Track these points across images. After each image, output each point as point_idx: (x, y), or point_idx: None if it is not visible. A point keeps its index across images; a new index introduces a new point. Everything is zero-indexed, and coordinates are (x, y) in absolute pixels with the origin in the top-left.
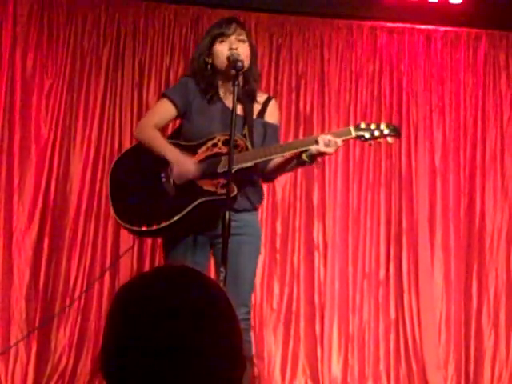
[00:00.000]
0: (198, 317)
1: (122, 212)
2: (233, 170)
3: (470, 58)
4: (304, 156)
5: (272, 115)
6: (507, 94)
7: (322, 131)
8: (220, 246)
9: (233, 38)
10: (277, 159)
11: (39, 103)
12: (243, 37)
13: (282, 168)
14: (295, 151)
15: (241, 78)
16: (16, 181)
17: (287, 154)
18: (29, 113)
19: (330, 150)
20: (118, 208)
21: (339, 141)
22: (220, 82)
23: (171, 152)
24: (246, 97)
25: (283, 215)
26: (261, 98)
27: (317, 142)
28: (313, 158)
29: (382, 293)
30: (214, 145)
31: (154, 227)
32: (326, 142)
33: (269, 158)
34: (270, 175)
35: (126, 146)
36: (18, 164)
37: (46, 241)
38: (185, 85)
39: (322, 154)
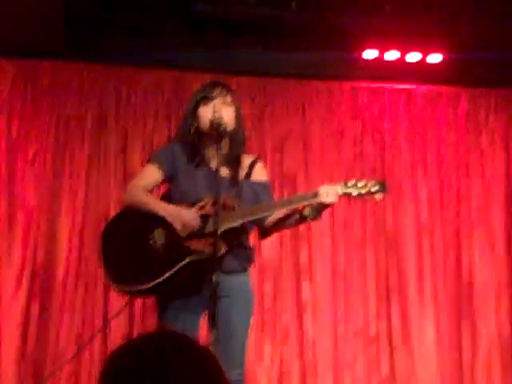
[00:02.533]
0: (186, 382)
1: (112, 273)
2: (220, 230)
3: (451, 115)
4: (306, 211)
5: (259, 175)
6: (489, 150)
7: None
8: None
9: (216, 101)
10: (277, 215)
11: (24, 170)
12: (228, 100)
13: (281, 224)
14: (291, 207)
15: (225, 142)
16: (4, 246)
17: (282, 211)
18: (14, 179)
19: (330, 199)
20: (109, 269)
21: (339, 188)
22: (205, 146)
23: (165, 209)
24: (232, 161)
25: (271, 276)
26: (246, 161)
27: (316, 195)
28: (316, 211)
29: (374, 350)
30: (202, 207)
31: (143, 286)
32: (326, 192)
33: (256, 217)
34: (268, 231)
35: (111, 210)
36: (6, 229)
37: (35, 305)
38: (170, 150)
39: (324, 205)
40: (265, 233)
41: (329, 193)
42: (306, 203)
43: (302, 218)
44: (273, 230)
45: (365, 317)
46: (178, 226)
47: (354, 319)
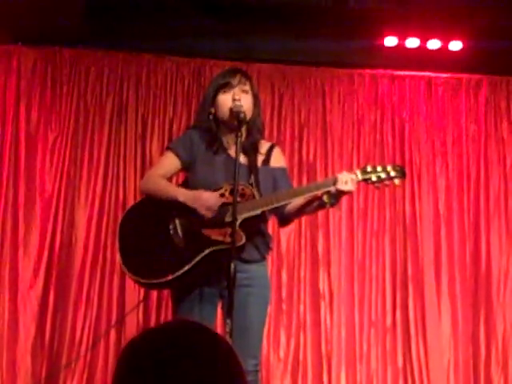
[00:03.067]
0: (201, 371)
1: (131, 264)
2: (240, 219)
3: (472, 103)
4: (325, 198)
5: (277, 161)
6: (509, 138)
7: None
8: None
9: (236, 88)
10: (297, 202)
11: (43, 157)
12: (247, 87)
13: (301, 211)
14: (310, 194)
15: (244, 129)
16: (21, 234)
17: (302, 198)
18: (33, 166)
19: (349, 187)
20: (127, 261)
21: (358, 174)
22: (223, 133)
23: (184, 194)
24: (250, 148)
25: (288, 265)
26: (264, 147)
27: (335, 182)
28: (334, 198)
29: (389, 340)
30: (221, 195)
31: (164, 279)
32: (344, 180)
33: (276, 205)
34: (288, 218)
35: (130, 198)
36: (23, 217)
37: (52, 295)
38: (189, 137)
39: (342, 192)
40: (285, 220)
41: (347, 180)
42: (325, 190)
43: (321, 205)
44: (293, 217)
45: (382, 307)
46: (201, 210)
47: (371, 309)
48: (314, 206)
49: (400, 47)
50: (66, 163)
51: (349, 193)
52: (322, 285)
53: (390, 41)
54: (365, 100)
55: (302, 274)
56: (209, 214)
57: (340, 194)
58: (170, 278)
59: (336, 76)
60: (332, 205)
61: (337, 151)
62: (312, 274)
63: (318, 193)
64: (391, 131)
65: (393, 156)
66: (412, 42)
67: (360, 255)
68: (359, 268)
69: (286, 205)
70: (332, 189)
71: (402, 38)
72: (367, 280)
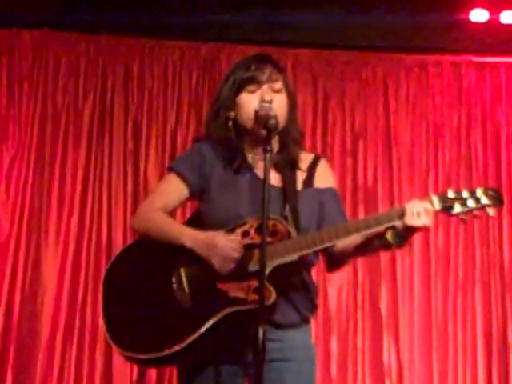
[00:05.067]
0: None
1: (119, 334)
2: (269, 268)
3: None
4: (389, 236)
5: (323, 178)
6: None
7: None
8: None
9: (265, 86)
10: (352, 238)
11: None
12: (279, 85)
13: (357, 252)
14: (368, 231)
15: (276, 141)
16: None
17: (359, 236)
18: None
19: (423, 221)
20: (114, 328)
21: (435, 202)
22: (248, 146)
23: (193, 237)
24: (285, 165)
25: (340, 329)
26: (305, 161)
27: (403, 215)
28: (401, 237)
29: None
30: (245, 233)
31: (164, 352)
32: (415, 211)
33: (320, 247)
34: (339, 260)
35: (118, 239)
36: None
37: (10, 377)
38: (198, 153)
39: (412, 229)
40: (334, 263)
41: (420, 211)
42: (388, 225)
43: (384, 245)
44: (345, 258)
45: None
46: (216, 262)
47: None
48: (374, 245)
49: (493, 23)
50: (28, 193)
51: (422, 229)
52: (387, 357)
53: (479, 15)
54: (445, 96)
55: (360, 341)
56: (226, 267)
57: (410, 230)
58: (172, 350)
59: (403, 65)
60: (399, 245)
61: (405, 170)
62: (373, 342)
63: (380, 229)
64: (481, 141)
65: (484, 174)
66: (509, 17)
67: (440, 316)
68: (439, 333)
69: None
70: (398, 224)
71: (496, 11)
72: (451, 350)
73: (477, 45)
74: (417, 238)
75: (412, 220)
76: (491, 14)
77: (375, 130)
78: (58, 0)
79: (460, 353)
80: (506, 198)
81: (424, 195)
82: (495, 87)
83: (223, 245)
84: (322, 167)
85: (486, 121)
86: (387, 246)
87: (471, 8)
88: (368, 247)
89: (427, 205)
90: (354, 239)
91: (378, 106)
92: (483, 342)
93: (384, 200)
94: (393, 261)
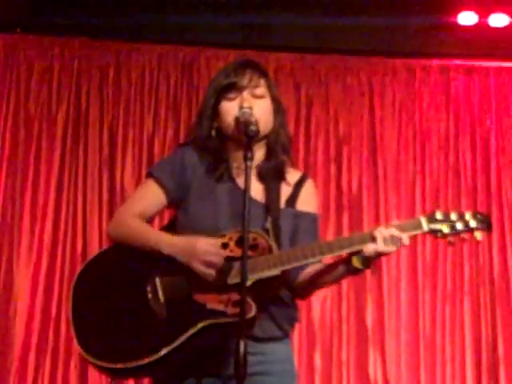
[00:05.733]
0: None
1: (90, 344)
2: (250, 281)
3: None
4: (355, 260)
5: (307, 202)
6: None
7: (376, 221)
8: None
9: (245, 92)
10: (313, 266)
11: None
12: (261, 90)
13: (320, 279)
14: (339, 254)
15: (261, 147)
16: None
17: (327, 259)
18: None
19: (390, 248)
20: (85, 339)
21: (405, 237)
22: (233, 155)
23: (172, 243)
24: (271, 173)
25: (324, 343)
26: (292, 177)
27: (373, 239)
28: (367, 261)
29: None
30: (224, 245)
31: (135, 363)
32: (386, 238)
33: (302, 263)
34: (303, 289)
35: (93, 248)
36: None
37: None
38: (180, 158)
39: (379, 254)
40: (296, 291)
41: (388, 239)
42: (357, 249)
43: (349, 271)
44: (312, 287)
45: None
46: (197, 266)
47: None
48: (338, 272)
49: (481, 26)
50: (0, 200)
51: (385, 255)
52: (373, 371)
53: (468, 18)
54: (431, 103)
55: (344, 356)
56: (207, 273)
57: (375, 256)
58: (145, 361)
59: (390, 69)
60: (365, 269)
61: (391, 177)
62: (358, 357)
63: (344, 253)
64: (470, 147)
65: (473, 185)
66: (498, 20)
67: (428, 328)
68: (427, 346)
69: (300, 268)
70: (367, 248)
71: (484, 14)
72: (439, 363)
73: (465, 48)
74: (404, 249)
75: (381, 246)
76: (480, 16)
77: (360, 136)
78: (31, 2)
79: (448, 366)
80: (494, 207)
81: (409, 208)
82: (484, 92)
83: (204, 250)
84: (308, 188)
85: (474, 126)
86: (352, 272)
87: (459, 11)
88: (331, 275)
89: (400, 235)
90: (315, 268)
91: (363, 112)
92: (472, 355)
93: (369, 207)
94: (379, 274)
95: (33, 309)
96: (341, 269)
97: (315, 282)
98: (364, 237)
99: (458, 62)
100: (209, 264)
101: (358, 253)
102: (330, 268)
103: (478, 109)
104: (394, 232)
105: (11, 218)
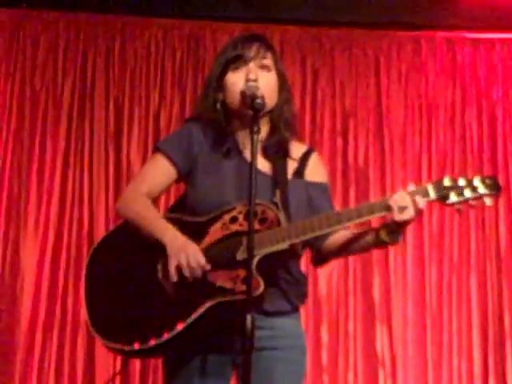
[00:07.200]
0: None
1: (101, 324)
2: (258, 257)
3: None
4: (383, 233)
5: (315, 172)
6: None
7: (382, 193)
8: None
9: (252, 64)
10: (341, 234)
11: None
12: (268, 62)
13: (347, 248)
14: (348, 225)
15: (266, 122)
16: None
17: (345, 227)
18: None
19: (408, 216)
20: (96, 318)
21: (421, 200)
22: (237, 129)
23: (172, 235)
24: (275, 150)
25: (331, 317)
26: (297, 151)
27: (388, 208)
28: (395, 233)
29: None
30: (233, 219)
31: (148, 344)
32: (401, 205)
33: (311, 236)
34: (327, 256)
35: (100, 225)
36: None
37: None
38: (187, 133)
39: (400, 224)
40: (321, 259)
41: (403, 207)
42: (381, 215)
43: (378, 243)
44: (333, 256)
45: (468, 377)
46: (172, 265)
47: (452, 380)
48: (366, 242)
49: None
50: (6, 177)
51: (407, 224)
52: (381, 346)
53: None
54: (437, 75)
55: (351, 330)
56: (173, 276)
57: (397, 225)
58: (157, 341)
59: (395, 41)
60: (393, 242)
61: (398, 150)
62: (365, 331)
63: (373, 218)
64: (476, 119)
65: (479, 156)
66: None
67: (435, 303)
68: (434, 321)
69: (325, 236)
70: (385, 216)
71: None
72: (446, 338)
73: (471, 20)
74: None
75: (396, 216)
76: None
77: (366, 108)
78: None
79: (455, 340)
80: (500, 178)
81: (417, 176)
82: (490, 64)
83: (193, 251)
84: (315, 161)
85: (480, 98)
86: (380, 244)
87: None
88: (359, 244)
89: (411, 197)
90: (344, 234)
91: (369, 85)
92: (479, 329)
93: (376, 181)
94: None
95: (39, 285)
96: (369, 239)
97: (344, 249)
98: (373, 207)
99: (463, 33)
100: (184, 267)
101: (386, 226)
102: (358, 237)
103: (484, 80)
104: (407, 196)
105: (17, 195)
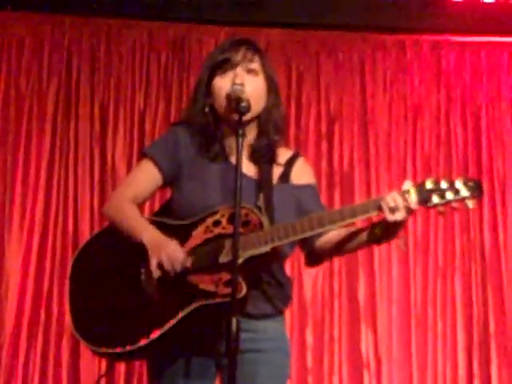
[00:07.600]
0: None
1: (85, 327)
2: (241, 259)
3: None
4: (377, 230)
5: (301, 174)
6: None
7: (367, 196)
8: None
9: (239, 68)
10: (335, 233)
11: None
12: (255, 66)
13: (341, 247)
14: (331, 228)
15: (254, 126)
16: None
17: (341, 228)
18: None
19: (399, 216)
20: (80, 322)
21: (414, 194)
22: (226, 134)
23: (151, 235)
24: (262, 154)
25: (315, 320)
26: (283, 157)
27: (379, 207)
28: (386, 231)
29: None
30: (216, 222)
31: (131, 347)
32: (391, 206)
33: (293, 239)
34: (320, 256)
35: (84, 228)
36: None
37: None
38: (174, 138)
39: (392, 225)
40: (314, 259)
41: (394, 208)
42: (363, 218)
43: (372, 240)
44: (327, 256)
45: (452, 378)
46: (153, 262)
47: (436, 382)
48: (360, 240)
49: (472, 1)
50: None
51: (400, 225)
52: (366, 348)
53: None
54: (423, 79)
55: (336, 332)
56: (155, 273)
57: (390, 226)
58: (139, 344)
59: (380, 45)
60: (387, 240)
61: (383, 154)
62: (350, 334)
63: (355, 221)
64: (461, 124)
65: (464, 160)
66: None
67: (419, 304)
68: (418, 323)
69: (317, 236)
70: (377, 216)
71: None
72: (430, 340)
73: (456, 24)
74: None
75: (388, 215)
76: None
77: (351, 112)
78: None
79: (440, 342)
80: (485, 182)
81: (402, 180)
82: (475, 68)
83: (173, 249)
84: (300, 164)
85: (465, 102)
86: (375, 240)
87: None
88: (353, 242)
89: (399, 199)
90: (338, 233)
91: (354, 88)
92: (464, 331)
93: (361, 184)
94: (370, 250)
95: (24, 288)
96: (363, 236)
97: (338, 248)
98: (369, 205)
99: (448, 37)
100: (173, 261)
101: (380, 223)
102: (353, 235)
103: (470, 84)
104: (397, 197)
105: (2, 197)
